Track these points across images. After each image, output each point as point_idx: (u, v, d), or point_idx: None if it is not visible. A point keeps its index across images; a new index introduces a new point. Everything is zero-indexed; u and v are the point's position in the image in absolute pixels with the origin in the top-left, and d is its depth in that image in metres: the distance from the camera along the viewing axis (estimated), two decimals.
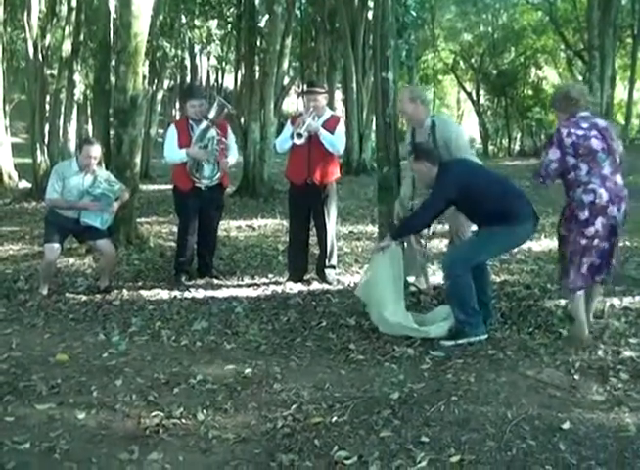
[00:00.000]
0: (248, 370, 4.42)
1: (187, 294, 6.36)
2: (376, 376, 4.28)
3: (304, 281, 6.65)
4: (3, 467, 3.19)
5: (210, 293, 6.39)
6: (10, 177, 16.99)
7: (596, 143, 4.61)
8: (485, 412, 3.70)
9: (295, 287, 6.52)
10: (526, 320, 5.24)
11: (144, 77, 10.47)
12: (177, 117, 29.18)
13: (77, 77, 16.74)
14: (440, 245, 7.78)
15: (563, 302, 5.60)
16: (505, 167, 18.80)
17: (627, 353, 4.47)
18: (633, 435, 3.40)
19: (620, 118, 33.71)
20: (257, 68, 15.92)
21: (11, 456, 3.31)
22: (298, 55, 25.05)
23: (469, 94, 36.81)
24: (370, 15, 17.68)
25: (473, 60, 36.49)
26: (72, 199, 6.26)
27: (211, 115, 6.42)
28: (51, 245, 6.26)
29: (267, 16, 16.18)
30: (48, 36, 15.81)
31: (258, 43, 16.62)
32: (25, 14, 15.52)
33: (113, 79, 9.44)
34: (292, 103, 38.53)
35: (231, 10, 19.84)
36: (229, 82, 36.64)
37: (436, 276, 6.61)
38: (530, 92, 34.74)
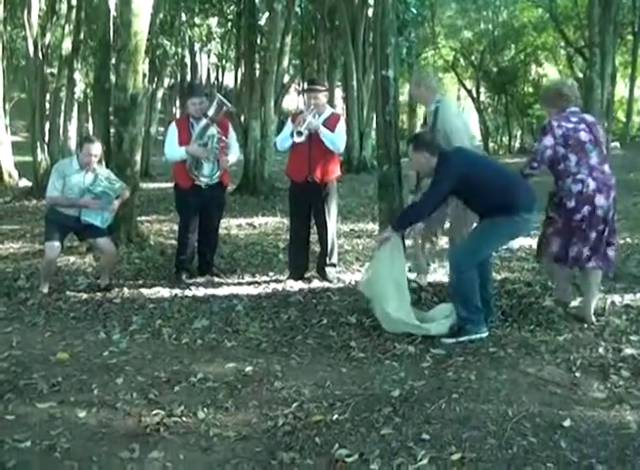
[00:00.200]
0: (248, 368, 4.42)
1: (187, 292, 6.35)
2: (377, 374, 4.28)
3: (305, 279, 6.64)
4: (4, 466, 3.20)
5: (211, 291, 6.39)
6: (10, 176, 16.98)
7: (584, 135, 4.96)
8: (486, 410, 3.70)
9: (295, 285, 6.51)
10: (527, 318, 5.24)
11: (144, 76, 10.44)
12: (177, 116, 29.21)
13: (77, 76, 16.73)
14: (440, 242, 7.75)
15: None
16: (506, 165, 18.76)
17: (628, 351, 4.47)
18: (634, 432, 3.41)
19: (621, 116, 33.72)
20: (258, 65, 15.92)
21: (11, 455, 3.31)
22: (299, 53, 25.04)
23: (469, 91, 36.77)
24: (370, 12, 17.67)
25: (473, 57, 36.45)
26: (73, 197, 6.25)
27: (210, 113, 6.42)
28: (51, 243, 6.26)
29: (267, 13, 16.17)
30: (48, 35, 15.80)
31: (259, 41, 16.62)
32: (25, 12, 15.51)
33: (113, 78, 9.43)
34: (292, 101, 38.52)
35: (231, 8, 19.83)
36: (229, 80, 36.64)
37: (437, 274, 6.62)
38: (531, 89, 34.70)
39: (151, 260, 7.68)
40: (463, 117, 5.81)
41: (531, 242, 7.88)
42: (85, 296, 6.29)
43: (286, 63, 16.08)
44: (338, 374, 4.32)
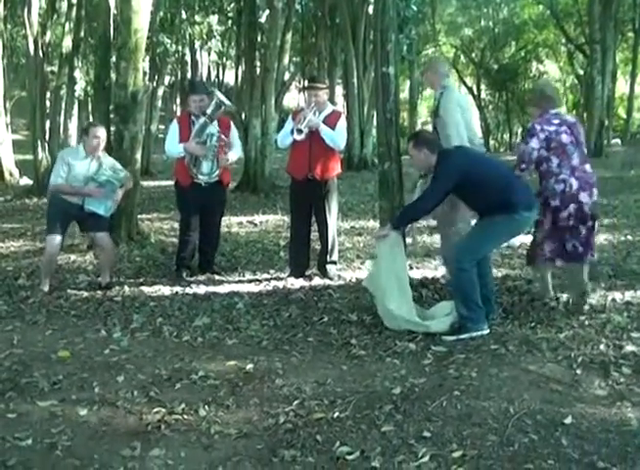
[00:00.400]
0: (249, 366, 4.42)
1: (188, 290, 6.35)
2: (378, 371, 4.28)
3: (306, 277, 6.64)
4: (5, 464, 3.20)
5: (212, 289, 6.39)
6: (11, 174, 16.99)
7: (565, 137, 5.17)
8: (487, 407, 3.69)
9: (296, 283, 6.51)
10: (528, 315, 5.23)
11: (144, 73, 10.47)
12: (178, 113, 29.20)
13: (78, 74, 16.73)
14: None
15: (565, 296, 5.60)
16: (507, 162, 18.77)
17: (629, 348, 4.47)
18: (635, 429, 3.40)
19: (622, 112, 33.69)
20: (258, 63, 15.89)
21: (12, 453, 3.31)
22: (299, 50, 25.04)
23: (470, 89, 36.76)
24: (371, 9, 17.64)
25: (474, 54, 36.47)
26: (77, 185, 6.24)
27: (208, 111, 6.41)
28: (52, 236, 6.26)
29: (268, 11, 16.12)
30: (48, 33, 15.80)
31: (259, 39, 16.59)
32: (26, 10, 15.49)
33: (113, 76, 9.43)
34: (293, 98, 38.47)
35: (231, 5, 19.83)
36: (230, 78, 36.60)
37: (437, 271, 6.62)
38: (531, 86, 34.65)
39: (151, 258, 7.69)
40: (465, 107, 5.79)
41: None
42: (86, 294, 6.29)
43: (286, 60, 16.09)
44: (339, 372, 4.32)
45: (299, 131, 6.21)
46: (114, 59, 9.54)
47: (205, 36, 23.68)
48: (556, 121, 5.23)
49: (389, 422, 3.56)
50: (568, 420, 3.50)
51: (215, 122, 6.53)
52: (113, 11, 9.50)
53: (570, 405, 3.69)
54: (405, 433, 3.44)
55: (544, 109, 5.31)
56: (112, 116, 8.83)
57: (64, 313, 5.75)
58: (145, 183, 14.11)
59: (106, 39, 9.33)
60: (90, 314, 5.72)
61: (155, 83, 19.61)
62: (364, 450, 3.27)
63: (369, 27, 18.44)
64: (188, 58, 31.81)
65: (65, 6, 16.15)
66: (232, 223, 10.17)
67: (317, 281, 6.53)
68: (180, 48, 22.85)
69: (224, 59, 34.72)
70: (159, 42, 18.27)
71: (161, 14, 17.56)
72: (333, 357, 4.58)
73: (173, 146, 6.57)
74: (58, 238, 6.29)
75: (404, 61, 21.13)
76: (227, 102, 6.49)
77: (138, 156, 8.54)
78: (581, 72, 30.22)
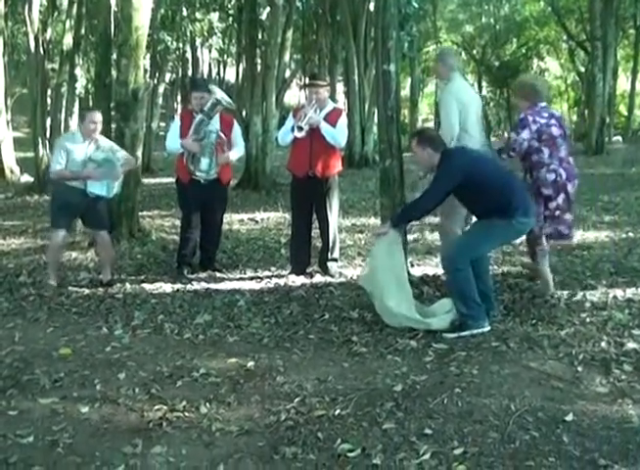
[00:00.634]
0: (250, 363, 4.42)
1: (189, 287, 6.36)
2: (379, 368, 4.28)
3: (307, 274, 6.64)
4: (6, 461, 3.20)
5: (213, 286, 6.39)
6: (12, 171, 16.99)
7: (555, 130, 5.40)
8: (489, 404, 3.69)
9: (297, 280, 6.51)
10: (529, 312, 5.23)
11: (145, 71, 10.46)
12: (179, 111, 29.22)
13: (79, 71, 16.69)
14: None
15: (566, 293, 5.60)
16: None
17: (631, 345, 4.46)
18: (637, 426, 3.40)
19: (623, 110, 33.66)
20: (259, 60, 15.89)
21: (14, 450, 3.32)
22: (300, 47, 24.99)
23: (471, 85, 36.70)
24: (372, 6, 17.61)
25: (475, 51, 36.43)
26: (76, 169, 6.23)
27: (205, 108, 6.41)
28: (57, 231, 6.31)
29: (268, 8, 16.10)
30: (49, 30, 15.78)
31: (260, 36, 16.58)
32: (26, 7, 15.49)
33: (114, 73, 9.42)
34: (293, 96, 38.47)
35: (232, 2, 19.78)
36: (231, 75, 36.56)
37: (438, 268, 6.61)
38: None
39: (153, 256, 7.69)
40: (464, 101, 5.74)
41: None
42: (87, 291, 6.29)
43: (287, 57, 16.06)
44: (340, 369, 4.32)
45: (300, 129, 6.21)
46: (114, 56, 9.53)
47: (205, 33, 23.61)
48: (545, 114, 5.44)
49: (391, 419, 3.56)
50: (569, 417, 3.50)
51: (217, 120, 6.52)
52: (113, 8, 9.49)
53: (571, 403, 3.69)
54: (406, 430, 3.44)
55: (533, 102, 5.48)
56: (112, 113, 8.83)
57: (65, 311, 5.76)
58: (146, 180, 14.11)
59: (106, 37, 9.32)
60: (91, 312, 5.73)
61: (155, 81, 19.59)
62: (365, 448, 3.27)
63: (370, 25, 18.43)
64: (189, 55, 31.76)
65: (65, 3, 16.12)
66: (233, 221, 10.16)
67: (318, 278, 6.53)
68: (181, 45, 22.80)
69: (225, 56, 34.67)
70: (159, 39, 18.24)
71: (162, 11, 17.53)
72: (334, 355, 4.58)
73: (173, 142, 6.61)
74: (62, 232, 6.32)
75: (405, 58, 21.12)
76: (225, 100, 6.45)
77: (139, 153, 8.54)
78: (582, 69, 30.20)
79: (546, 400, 3.72)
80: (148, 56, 15.69)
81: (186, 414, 3.69)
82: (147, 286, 6.43)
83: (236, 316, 5.48)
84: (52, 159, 6.37)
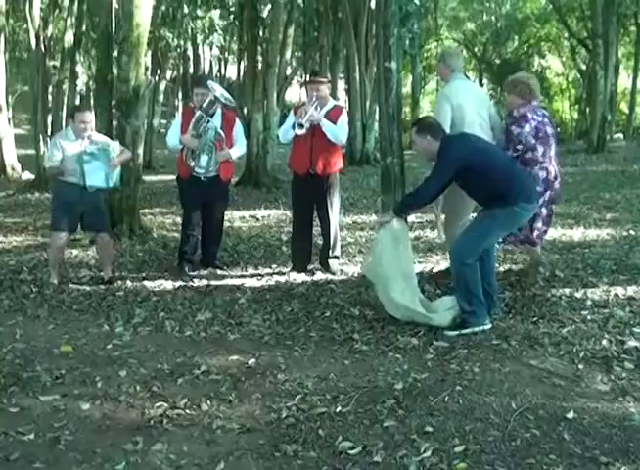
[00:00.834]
0: (252, 361, 4.42)
1: (191, 284, 6.35)
2: (380, 366, 4.28)
3: (308, 271, 6.64)
4: (7, 458, 3.20)
5: (214, 283, 6.38)
6: (13, 169, 16.98)
7: (549, 129, 5.56)
8: (489, 402, 3.69)
9: (298, 277, 6.51)
10: (531, 310, 5.23)
11: (146, 68, 10.46)
12: (180, 108, 29.21)
13: (80, 68, 16.75)
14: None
15: (567, 291, 5.60)
16: None
17: (632, 343, 4.46)
18: (638, 424, 3.40)
19: (624, 107, 33.61)
20: (260, 58, 15.87)
21: (15, 447, 3.32)
22: (301, 45, 24.95)
23: (474, 84, 36.67)
24: (373, 4, 17.60)
25: (476, 49, 36.40)
26: (71, 167, 6.20)
27: (204, 105, 6.40)
28: (58, 234, 6.30)
29: (270, 5, 16.10)
30: (50, 27, 15.80)
31: (261, 33, 16.54)
32: (27, 5, 15.49)
33: (115, 70, 9.41)
34: (295, 93, 38.44)
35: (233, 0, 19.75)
36: (232, 73, 36.52)
37: (440, 265, 6.61)
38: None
39: (154, 253, 7.69)
40: (458, 103, 5.71)
41: None
42: (88, 288, 6.29)
43: (288, 55, 16.07)
44: (341, 366, 4.33)
45: (301, 126, 6.20)
46: (115, 53, 9.51)
47: (207, 31, 23.60)
48: (539, 113, 5.59)
49: (392, 417, 3.56)
50: (570, 415, 3.50)
51: (218, 117, 6.52)
52: (114, 5, 9.47)
53: (572, 400, 3.70)
54: (407, 428, 3.44)
55: (527, 100, 5.56)
56: (114, 110, 8.81)
57: (66, 308, 5.76)
58: (147, 178, 14.12)
59: (107, 34, 9.29)
60: (92, 309, 5.73)
61: (157, 78, 19.58)
62: (366, 445, 3.27)
63: (371, 22, 18.41)
64: (190, 52, 31.75)
65: (66, 0, 16.13)
66: (234, 218, 10.16)
67: (319, 276, 6.53)
68: (182, 42, 22.76)
69: (226, 53, 34.65)
70: (160, 37, 18.23)
71: (163, 8, 17.51)
72: (335, 352, 4.58)
73: (171, 137, 6.64)
74: (63, 234, 6.31)
75: (406, 55, 21.10)
76: (224, 97, 6.42)
77: (140, 150, 8.55)
78: (584, 67, 30.17)
79: (547, 398, 3.72)
80: (149, 53, 15.68)
81: (187, 412, 3.70)
82: (148, 283, 6.43)
83: (237, 314, 5.48)
84: (47, 155, 6.36)
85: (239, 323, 5.25)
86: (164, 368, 4.34)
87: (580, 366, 4.15)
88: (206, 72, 39.35)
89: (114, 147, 6.44)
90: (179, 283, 6.40)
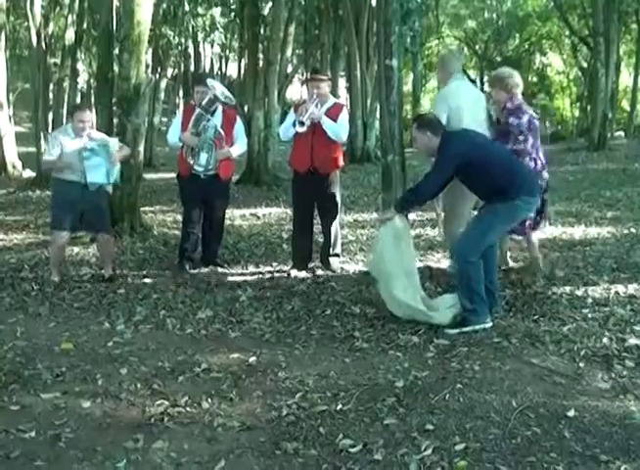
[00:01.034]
0: (252, 359, 4.42)
1: (191, 282, 6.35)
2: (380, 364, 4.28)
3: (309, 269, 6.64)
4: (8, 456, 3.20)
5: (215, 281, 6.38)
6: (14, 166, 16.97)
7: (537, 122, 5.81)
8: (490, 400, 3.69)
9: (299, 275, 6.51)
10: (532, 308, 5.23)
11: (147, 66, 10.46)
12: (181, 106, 29.23)
13: (80, 66, 16.74)
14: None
15: (568, 289, 5.60)
16: None
17: (632, 341, 4.46)
18: (638, 422, 3.40)
19: (625, 105, 33.57)
20: (261, 55, 15.86)
21: (16, 445, 3.32)
22: (302, 42, 24.93)
23: (473, 81, 36.42)
24: (374, 1, 17.56)
25: (477, 47, 36.34)
26: (71, 161, 6.18)
27: (203, 103, 6.40)
28: (59, 233, 6.29)
29: (271, 3, 16.11)
30: (51, 25, 15.80)
31: (262, 31, 16.54)
32: (28, 2, 15.47)
33: (116, 68, 9.41)
34: (295, 91, 38.41)
35: None
36: (233, 70, 36.52)
37: (440, 263, 6.61)
38: (535, 79, 34.61)
39: (154, 251, 7.69)
40: (455, 106, 5.69)
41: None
42: (89, 286, 6.30)
43: (289, 53, 16.07)
44: (341, 364, 4.33)
45: (301, 123, 6.20)
46: (116, 51, 9.51)
47: (207, 28, 23.59)
48: (526, 107, 5.81)
49: (392, 415, 3.56)
50: (570, 413, 3.50)
51: (219, 115, 6.52)
52: (115, 3, 9.46)
53: (572, 398, 3.70)
54: (408, 426, 3.44)
55: (514, 95, 5.73)
56: (114, 108, 8.82)
57: (67, 306, 5.76)
58: (148, 176, 14.11)
59: (108, 31, 9.30)
60: (93, 307, 5.73)
61: (157, 76, 19.58)
62: (367, 443, 3.27)
63: (372, 20, 18.39)
64: (191, 50, 31.76)
65: None
66: (235, 216, 10.16)
67: (320, 274, 6.53)
68: (183, 40, 22.76)
69: (227, 51, 34.66)
70: (161, 34, 18.22)
71: (164, 6, 17.51)
72: (336, 350, 4.58)
73: (172, 135, 6.67)
74: (64, 233, 6.30)
75: (407, 53, 21.06)
76: (224, 95, 6.41)
77: (141, 148, 8.56)
78: (585, 65, 30.12)
79: (548, 396, 3.73)
80: (150, 51, 15.67)
81: (188, 409, 3.70)
82: (149, 281, 6.44)
83: (238, 312, 5.48)
84: (46, 150, 6.36)
85: (240, 321, 5.25)
86: (165, 366, 4.34)
87: (581, 364, 4.15)
88: (207, 70, 39.39)
89: (113, 143, 6.44)
90: (180, 281, 6.40)
